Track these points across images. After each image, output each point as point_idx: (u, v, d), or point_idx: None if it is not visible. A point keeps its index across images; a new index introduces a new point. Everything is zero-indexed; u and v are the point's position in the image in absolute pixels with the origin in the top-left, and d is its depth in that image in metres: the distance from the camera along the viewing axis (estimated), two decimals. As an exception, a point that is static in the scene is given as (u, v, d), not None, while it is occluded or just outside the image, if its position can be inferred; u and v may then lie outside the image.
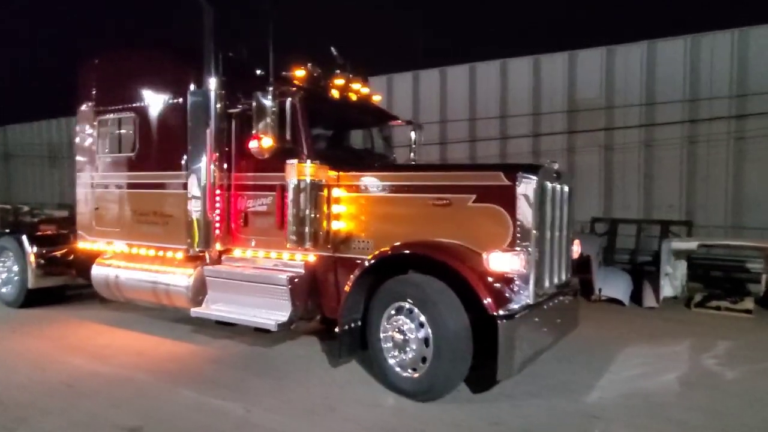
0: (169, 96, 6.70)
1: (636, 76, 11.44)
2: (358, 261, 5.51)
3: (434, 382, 4.76)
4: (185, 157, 6.42)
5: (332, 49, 6.91)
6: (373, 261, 5.23)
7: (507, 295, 4.74)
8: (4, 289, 8.72)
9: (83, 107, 7.62)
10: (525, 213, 4.93)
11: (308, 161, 5.62)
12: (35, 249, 8.33)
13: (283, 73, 6.38)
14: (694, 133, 10.99)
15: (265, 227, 6.25)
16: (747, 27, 10.66)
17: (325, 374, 5.60)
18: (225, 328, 6.70)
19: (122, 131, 7.22)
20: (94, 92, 7.48)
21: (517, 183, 4.95)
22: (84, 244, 7.74)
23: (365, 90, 7.09)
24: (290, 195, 5.61)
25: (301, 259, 6.06)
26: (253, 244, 6.37)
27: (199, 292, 6.59)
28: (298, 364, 5.93)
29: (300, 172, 5.59)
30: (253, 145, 5.67)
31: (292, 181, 5.59)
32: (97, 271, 7.53)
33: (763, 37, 10.52)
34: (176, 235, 6.63)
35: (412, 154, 8.08)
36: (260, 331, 6.25)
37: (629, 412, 4.70)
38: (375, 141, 7.40)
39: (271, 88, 5.57)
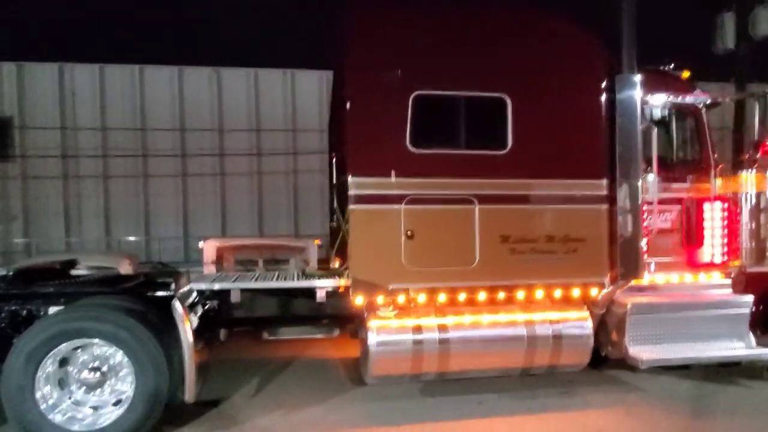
0: (580, 79, 4.87)
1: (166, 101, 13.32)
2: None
3: None
4: (603, 161, 4.90)
5: None
6: None
7: None
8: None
9: (379, 77, 4.53)
10: None
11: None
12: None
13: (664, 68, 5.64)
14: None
15: (669, 247, 5.40)
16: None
17: None
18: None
19: (456, 116, 4.72)
20: (402, 54, 4.58)
21: None
22: (356, 298, 4.55)
23: None
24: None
25: (717, 279, 5.53)
26: (652, 268, 5.35)
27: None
28: None
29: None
30: None
31: None
32: (385, 337, 4.60)
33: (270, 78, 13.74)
34: (586, 265, 4.89)
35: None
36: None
37: None
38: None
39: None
